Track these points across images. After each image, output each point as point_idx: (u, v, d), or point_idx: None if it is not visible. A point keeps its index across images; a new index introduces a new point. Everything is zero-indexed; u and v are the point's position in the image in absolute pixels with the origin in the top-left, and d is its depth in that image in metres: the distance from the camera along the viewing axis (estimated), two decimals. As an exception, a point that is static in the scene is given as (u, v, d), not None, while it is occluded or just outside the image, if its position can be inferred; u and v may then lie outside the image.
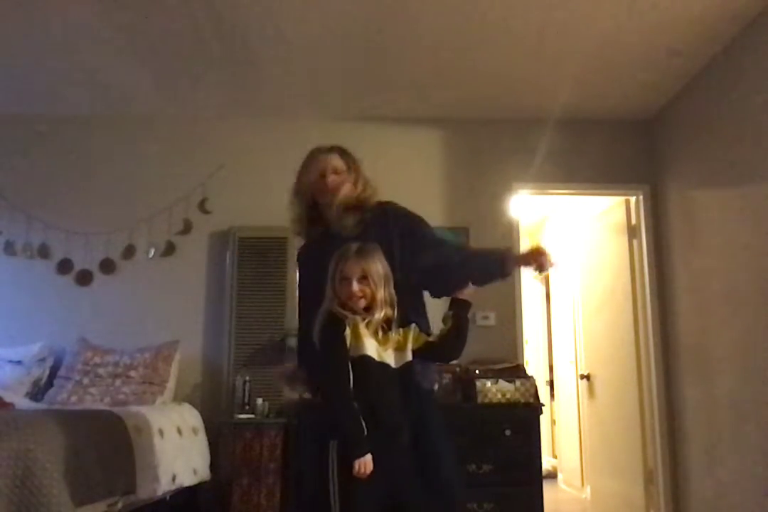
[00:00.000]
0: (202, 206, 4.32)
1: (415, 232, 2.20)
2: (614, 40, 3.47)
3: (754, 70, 3.26)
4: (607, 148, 4.45)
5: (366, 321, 1.94)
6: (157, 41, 3.53)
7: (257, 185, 4.36)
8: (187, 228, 4.31)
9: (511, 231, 4.34)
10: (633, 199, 4.43)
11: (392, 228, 2.18)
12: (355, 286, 1.95)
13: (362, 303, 1.96)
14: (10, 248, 4.26)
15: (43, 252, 4.26)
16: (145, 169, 4.40)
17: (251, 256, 4.17)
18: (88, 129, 4.45)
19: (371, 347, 1.90)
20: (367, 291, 1.96)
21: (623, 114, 4.39)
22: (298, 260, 2.38)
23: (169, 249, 4.29)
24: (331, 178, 2.21)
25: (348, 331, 1.90)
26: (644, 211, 4.34)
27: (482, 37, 3.47)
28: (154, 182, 4.37)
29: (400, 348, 1.98)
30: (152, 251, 4.28)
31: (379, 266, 1.99)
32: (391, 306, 1.98)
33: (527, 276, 5.82)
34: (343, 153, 2.28)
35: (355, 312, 1.94)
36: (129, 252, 4.27)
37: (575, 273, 5.33)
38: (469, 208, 4.34)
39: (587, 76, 3.88)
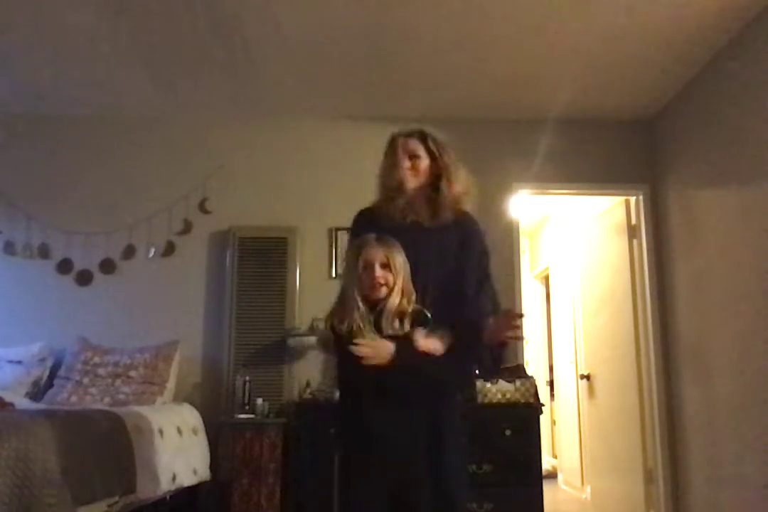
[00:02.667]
0: (202, 206, 4.32)
1: (477, 261, 2.16)
2: (614, 40, 3.47)
3: (754, 69, 3.26)
4: (607, 148, 4.45)
5: (378, 309, 1.91)
6: (157, 41, 3.53)
7: (257, 185, 4.37)
8: (187, 228, 4.31)
9: (511, 231, 4.34)
10: (633, 199, 4.43)
11: (463, 241, 2.14)
12: (378, 272, 1.92)
13: (384, 290, 1.93)
14: (10, 248, 4.25)
15: (43, 252, 4.26)
16: (145, 169, 4.40)
17: (251, 255, 4.17)
18: (89, 129, 4.45)
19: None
20: (390, 278, 1.94)
21: (623, 114, 4.39)
22: (356, 227, 2.23)
23: (169, 249, 4.29)
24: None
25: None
26: (644, 211, 4.34)
27: (482, 37, 3.47)
28: (154, 182, 4.37)
29: None
30: (152, 251, 4.28)
31: (400, 256, 1.97)
32: (408, 299, 1.95)
33: (527, 276, 5.82)
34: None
35: (373, 303, 1.92)
36: (129, 252, 4.27)
37: (575, 273, 5.33)
38: (470, 208, 4.32)
39: (587, 76, 3.88)
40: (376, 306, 1.95)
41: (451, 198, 2.15)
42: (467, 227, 2.20)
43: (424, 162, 2.16)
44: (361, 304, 1.93)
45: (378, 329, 1.93)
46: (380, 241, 1.97)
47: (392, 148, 2.18)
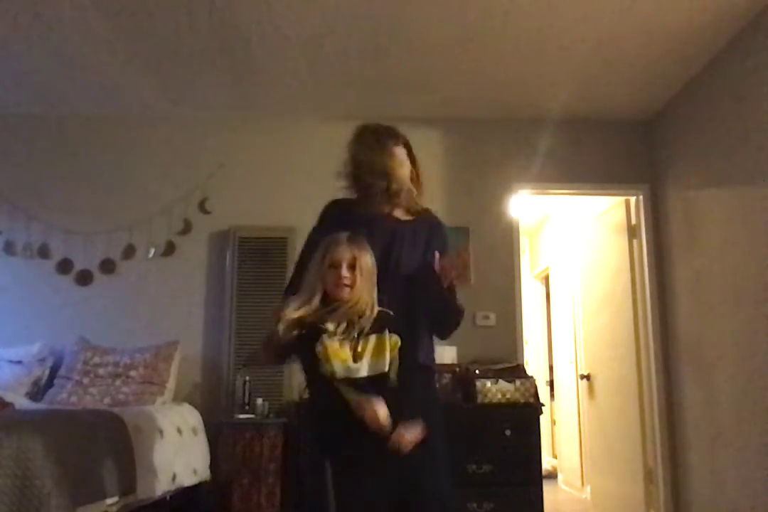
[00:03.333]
0: (202, 206, 4.32)
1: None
2: (614, 40, 3.47)
3: (754, 70, 3.26)
4: (607, 148, 4.45)
5: (337, 324, 1.86)
6: (158, 41, 3.53)
7: (257, 185, 4.37)
8: (187, 228, 4.31)
9: (511, 231, 4.34)
10: (633, 199, 4.44)
11: (429, 240, 2.18)
12: (345, 272, 1.90)
13: (347, 292, 1.90)
14: (10, 248, 4.25)
15: (43, 252, 4.26)
16: (145, 169, 4.40)
17: (251, 255, 4.17)
18: (89, 129, 4.45)
19: (339, 362, 1.81)
20: (355, 280, 1.91)
21: (623, 114, 4.39)
22: (327, 215, 2.30)
23: (169, 249, 4.29)
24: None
25: (321, 347, 1.81)
26: (644, 211, 4.34)
27: (482, 37, 3.47)
28: (154, 182, 4.37)
29: (375, 355, 1.87)
30: (152, 251, 4.28)
31: (369, 257, 1.95)
32: (371, 306, 1.92)
33: (527, 276, 5.82)
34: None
35: (337, 303, 1.88)
36: (129, 252, 4.27)
37: (575, 273, 5.33)
38: (469, 208, 4.34)
39: (587, 76, 3.88)
40: (331, 303, 1.91)
41: (419, 197, 2.27)
42: (432, 220, 2.28)
43: (408, 168, 2.25)
44: (318, 298, 1.90)
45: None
46: (351, 241, 1.95)
47: (380, 143, 2.20)
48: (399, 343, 1.89)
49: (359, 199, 2.21)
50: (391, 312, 1.95)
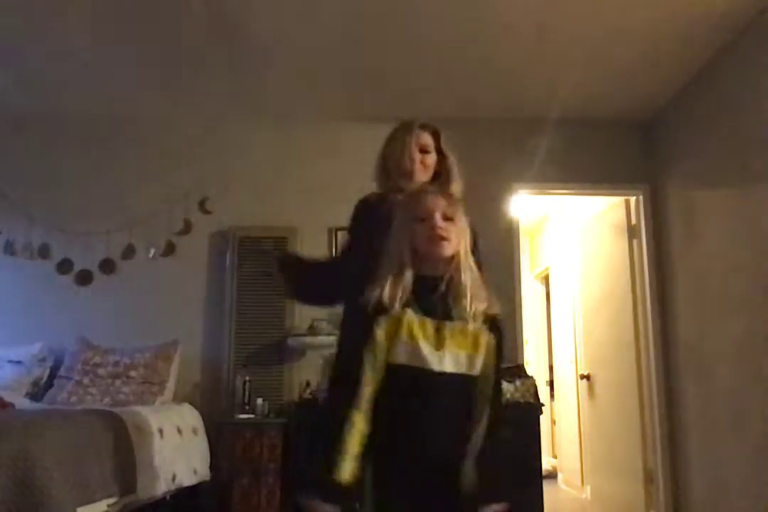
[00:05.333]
0: (202, 206, 4.32)
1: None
2: (614, 40, 3.47)
3: (754, 70, 3.26)
4: (607, 148, 4.45)
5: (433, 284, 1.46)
6: (158, 41, 3.53)
7: (257, 185, 4.37)
8: (187, 228, 4.31)
9: (511, 231, 4.34)
10: (633, 199, 4.43)
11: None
12: (440, 221, 1.49)
13: (448, 248, 1.49)
14: (10, 248, 4.25)
15: (43, 252, 4.26)
16: (145, 169, 4.40)
17: (251, 256, 4.17)
18: (89, 129, 4.45)
19: (417, 350, 1.44)
20: (453, 233, 1.50)
21: (623, 114, 4.39)
22: (359, 216, 2.10)
23: (169, 249, 4.28)
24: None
25: (381, 330, 1.45)
26: (644, 211, 4.34)
27: (482, 38, 3.47)
28: (154, 182, 4.37)
29: (467, 349, 1.47)
30: (152, 251, 4.28)
31: (463, 215, 1.58)
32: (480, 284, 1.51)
33: (527, 276, 5.81)
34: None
35: (435, 265, 1.47)
36: (129, 252, 4.27)
37: (575, 273, 5.33)
38: (469, 208, 4.30)
39: (587, 76, 3.88)
40: (429, 282, 1.49)
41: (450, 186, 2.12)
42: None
43: (433, 158, 2.14)
44: (409, 273, 1.47)
45: (429, 312, 1.47)
46: (441, 191, 1.60)
47: (405, 136, 2.13)
48: (494, 344, 1.51)
49: (389, 196, 2.01)
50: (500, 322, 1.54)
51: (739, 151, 3.36)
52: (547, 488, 3.70)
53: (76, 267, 4.25)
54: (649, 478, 4.11)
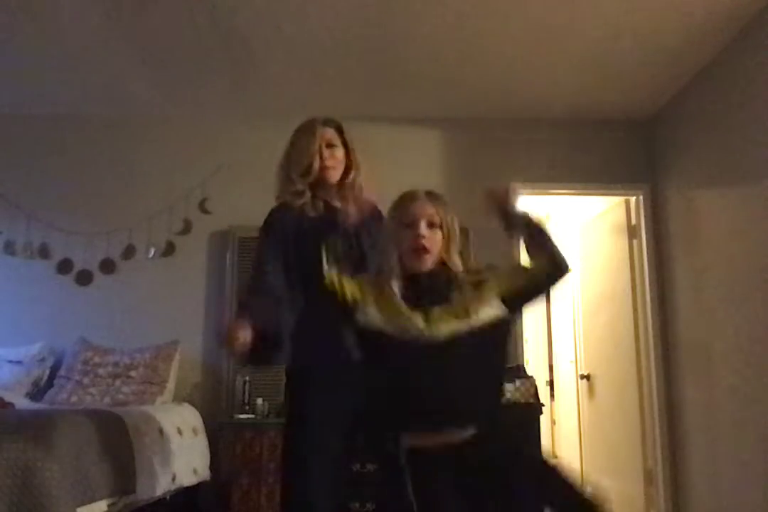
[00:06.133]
0: (202, 206, 4.32)
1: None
2: (614, 40, 3.47)
3: (754, 69, 3.26)
4: (607, 148, 4.44)
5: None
6: (158, 41, 3.52)
7: (257, 185, 4.30)
8: (187, 228, 4.31)
9: (511, 231, 4.33)
10: (633, 199, 4.43)
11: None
12: (424, 230, 1.51)
13: (428, 261, 1.52)
14: (10, 248, 4.25)
15: (43, 252, 4.26)
16: (145, 169, 4.40)
17: (251, 256, 4.16)
18: (89, 129, 4.45)
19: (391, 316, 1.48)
20: (437, 239, 1.52)
21: (623, 114, 4.38)
22: (269, 224, 2.08)
23: (169, 249, 4.28)
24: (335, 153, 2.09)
25: (351, 289, 1.51)
26: (644, 211, 4.34)
27: (482, 38, 3.47)
28: (154, 182, 4.37)
29: (461, 315, 1.50)
30: (152, 251, 4.28)
31: (455, 218, 1.59)
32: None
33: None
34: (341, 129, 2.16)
35: (412, 274, 1.49)
36: (129, 252, 4.27)
37: (575, 273, 5.33)
38: (470, 208, 4.32)
39: (587, 76, 3.88)
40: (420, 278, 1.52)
41: (359, 191, 2.13)
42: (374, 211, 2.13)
43: (341, 152, 2.13)
44: (395, 279, 1.51)
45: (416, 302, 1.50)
46: (431, 195, 1.59)
47: (308, 135, 2.12)
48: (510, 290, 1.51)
49: (295, 204, 2.03)
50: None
51: (739, 150, 3.36)
52: (547, 488, 3.70)
53: (76, 268, 4.25)
54: (649, 478, 4.11)
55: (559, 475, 1.50)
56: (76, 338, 3.95)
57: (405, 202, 1.58)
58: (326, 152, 2.09)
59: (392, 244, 1.55)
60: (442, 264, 1.55)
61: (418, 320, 1.47)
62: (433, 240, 1.52)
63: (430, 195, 1.60)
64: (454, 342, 1.46)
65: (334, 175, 2.10)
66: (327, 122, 2.16)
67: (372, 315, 1.50)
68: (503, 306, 1.51)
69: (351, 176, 2.12)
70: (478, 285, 1.53)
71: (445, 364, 1.46)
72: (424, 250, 1.51)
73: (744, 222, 3.32)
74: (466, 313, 1.47)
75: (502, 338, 1.56)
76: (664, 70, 3.79)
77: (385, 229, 1.60)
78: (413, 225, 1.52)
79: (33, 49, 3.59)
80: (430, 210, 1.55)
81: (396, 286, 1.52)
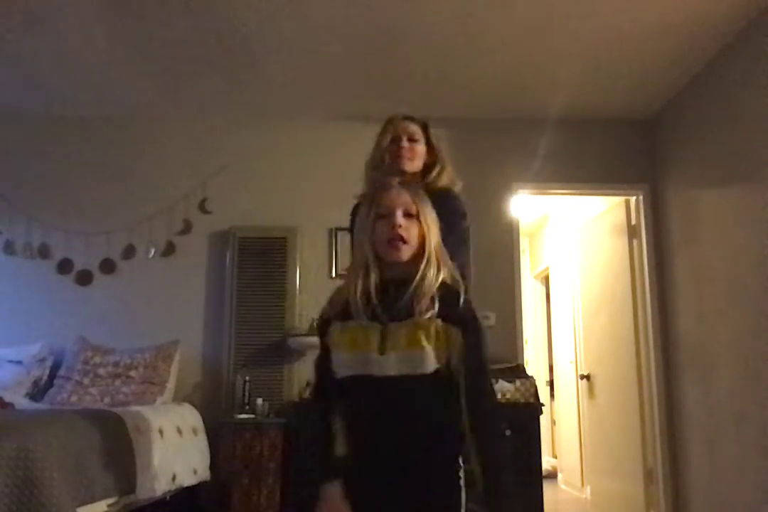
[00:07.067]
0: (202, 206, 4.32)
1: (453, 227, 1.87)
2: (614, 40, 3.47)
3: (754, 70, 3.26)
4: (607, 148, 4.45)
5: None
6: (158, 42, 3.52)
7: (258, 185, 4.37)
8: (187, 228, 4.31)
9: (511, 231, 4.34)
10: (633, 199, 4.43)
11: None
12: (400, 219, 1.41)
13: (406, 251, 1.42)
14: (10, 248, 4.25)
15: (43, 252, 4.26)
16: (145, 169, 4.40)
17: (251, 255, 4.17)
18: (89, 129, 4.45)
19: (361, 357, 1.40)
20: (414, 232, 1.42)
21: (623, 114, 4.39)
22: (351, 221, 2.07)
23: (169, 249, 4.29)
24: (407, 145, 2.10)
25: (332, 334, 1.46)
26: (644, 211, 4.34)
27: (482, 38, 3.47)
28: (154, 182, 4.37)
29: (415, 346, 1.38)
30: (152, 251, 4.28)
31: (431, 209, 1.48)
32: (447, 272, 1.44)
33: (527, 276, 5.80)
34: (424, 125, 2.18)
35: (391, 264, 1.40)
36: (129, 252, 4.27)
37: (575, 273, 5.33)
38: (469, 208, 4.29)
39: (587, 76, 3.88)
40: (395, 284, 1.42)
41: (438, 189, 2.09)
42: (447, 206, 1.97)
43: (422, 147, 2.15)
44: (374, 272, 1.42)
45: (388, 315, 1.40)
46: (405, 186, 1.49)
47: (391, 126, 2.15)
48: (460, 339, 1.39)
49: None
50: (463, 291, 1.44)
51: (740, 150, 3.36)
52: (547, 488, 3.71)
53: (76, 267, 4.25)
54: (649, 478, 4.11)
55: None
56: (76, 338, 3.95)
57: (378, 192, 1.48)
58: (406, 143, 2.11)
59: (368, 239, 1.44)
60: (419, 263, 1.44)
61: (374, 344, 1.39)
62: (410, 230, 1.42)
63: (404, 184, 1.50)
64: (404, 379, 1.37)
65: (409, 165, 2.11)
66: (408, 118, 2.18)
67: (341, 357, 1.44)
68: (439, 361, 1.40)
69: (433, 174, 2.13)
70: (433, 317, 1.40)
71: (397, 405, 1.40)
72: (401, 239, 1.41)
73: (743, 221, 3.32)
74: (428, 340, 1.38)
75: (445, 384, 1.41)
76: (664, 70, 3.79)
77: (359, 223, 1.49)
78: (389, 214, 1.42)
79: (33, 48, 3.59)
80: (406, 198, 1.45)
81: (359, 292, 1.43)
